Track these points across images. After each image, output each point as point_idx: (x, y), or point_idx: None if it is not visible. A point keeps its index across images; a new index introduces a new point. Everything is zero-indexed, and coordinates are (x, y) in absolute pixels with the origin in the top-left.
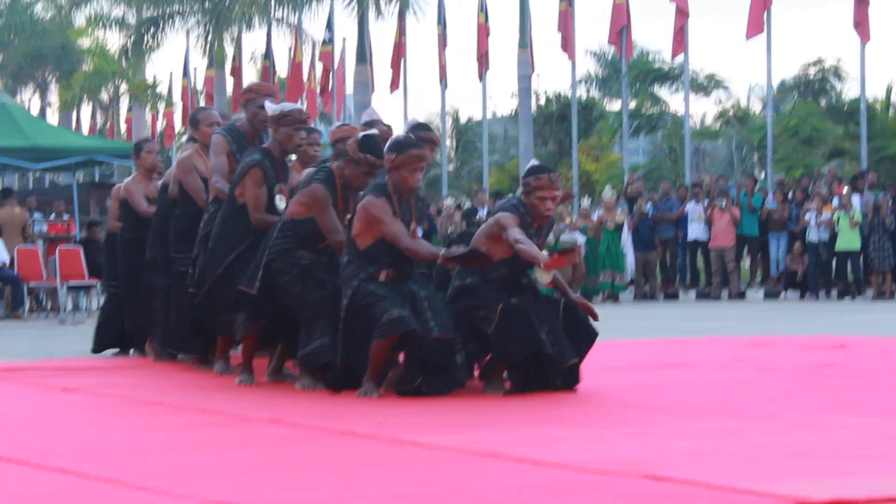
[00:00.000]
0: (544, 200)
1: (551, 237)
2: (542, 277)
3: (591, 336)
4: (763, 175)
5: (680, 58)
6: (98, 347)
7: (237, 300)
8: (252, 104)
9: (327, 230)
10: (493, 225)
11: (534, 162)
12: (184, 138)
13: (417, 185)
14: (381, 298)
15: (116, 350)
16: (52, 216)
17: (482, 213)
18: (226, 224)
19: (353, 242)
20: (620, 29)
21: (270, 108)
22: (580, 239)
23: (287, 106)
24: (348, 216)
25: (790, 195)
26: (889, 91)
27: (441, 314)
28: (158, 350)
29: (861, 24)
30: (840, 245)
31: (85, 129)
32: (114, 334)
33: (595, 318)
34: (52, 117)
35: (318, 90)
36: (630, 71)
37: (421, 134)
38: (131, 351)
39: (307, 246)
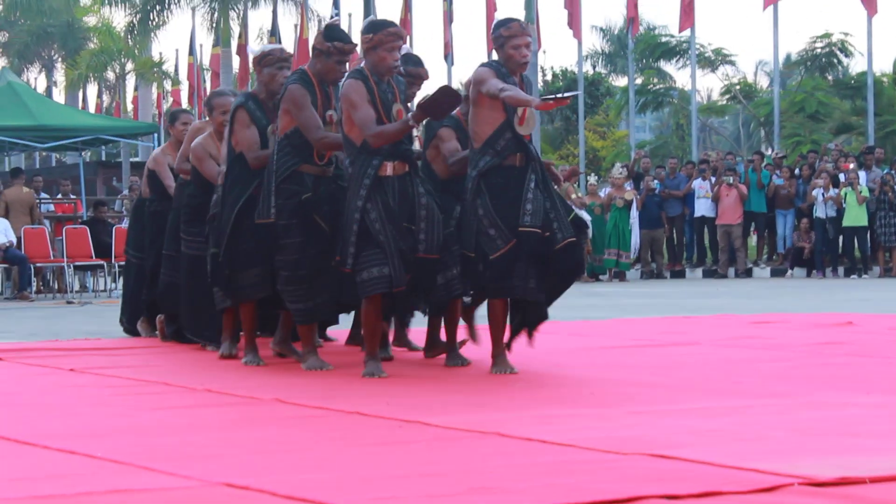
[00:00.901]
0: (519, 48)
1: None
2: (523, 130)
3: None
4: (770, 151)
5: (686, 32)
6: (130, 326)
7: (253, 252)
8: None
9: (307, 128)
10: (471, 89)
11: (500, 16)
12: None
13: (396, 64)
14: (375, 244)
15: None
16: (59, 196)
17: None
18: (228, 176)
19: (349, 140)
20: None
21: (252, 50)
22: (586, 216)
23: (268, 46)
24: (329, 112)
25: (797, 171)
26: None
27: (433, 231)
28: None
29: None
30: (847, 221)
31: (91, 108)
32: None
33: (558, 183)
34: (59, 96)
35: None
36: (637, 46)
37: (409, 69)
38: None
39: (308, 157)
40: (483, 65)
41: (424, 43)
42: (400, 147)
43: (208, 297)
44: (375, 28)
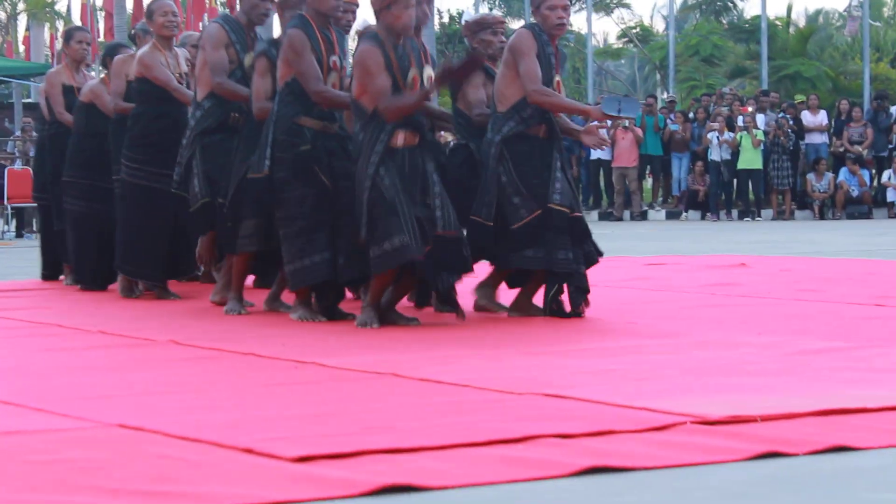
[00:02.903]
0: (555, 9)
1: None
2: None
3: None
4: (665, 95)
5: None
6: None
7: (250, 203)
8: None
9: (305, 77)
10: (506, 56)
11: None
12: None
13: (411, 23)
14: (391, 212)
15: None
16: None
17: None
18: (247, 126)
19: (358, 106)
20: None
21: None
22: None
23: None
24: (333, 57)
25: (692, 115)
26: (790, 9)
27: (448, 208)
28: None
29: None
30: (742, 164)
31: None
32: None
33: (600, 144)
34: None
35: (220, 9)
36: None
37: None
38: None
39: (309, 108)
40: (524, 27)
41: None
42: (412, 116)
43: (152, 232)
44: None
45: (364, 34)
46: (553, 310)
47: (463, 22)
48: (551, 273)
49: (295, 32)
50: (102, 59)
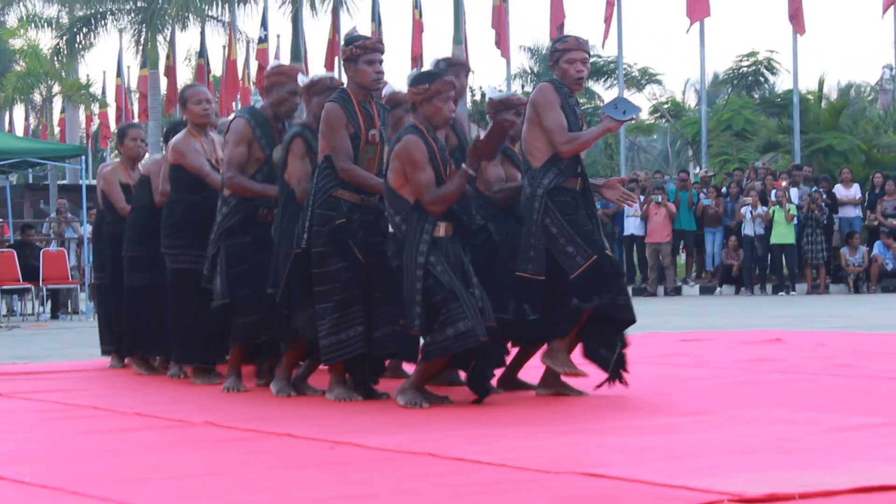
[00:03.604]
0: (574, 63)
1: None
2: None
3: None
4: (698, 169)
5: (613, 53)
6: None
7: (306, 293)
8: (280, 88)
9: (335, 152)
10: (529, 112)
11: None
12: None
13: (451, 116)
14: (451, 298)
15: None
16: None
17: None
18: (284, 213)
19: (398, 196)
20: (559, 25)
21: (302, 79)
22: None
23: (317, 74)
24: (373, 131)
25: (724, 190)
26: (821, 83)
27: (485, 296)
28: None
29: (796, 16)
30: (775, 239)
31: (18, 131)
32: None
33: (624, 198)
34: None
35: (252, 89)
36: None
37: (451, 59)
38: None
39: (346, 181)
40: (545, 82)
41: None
42: (451, 207)
43: (197, 315)
44: (431, 77)
45: (405, 125)
46: (616, 364)
47: (487, 98)
48: (609, 321)
49: (332, 107)
50: (165, 136)
